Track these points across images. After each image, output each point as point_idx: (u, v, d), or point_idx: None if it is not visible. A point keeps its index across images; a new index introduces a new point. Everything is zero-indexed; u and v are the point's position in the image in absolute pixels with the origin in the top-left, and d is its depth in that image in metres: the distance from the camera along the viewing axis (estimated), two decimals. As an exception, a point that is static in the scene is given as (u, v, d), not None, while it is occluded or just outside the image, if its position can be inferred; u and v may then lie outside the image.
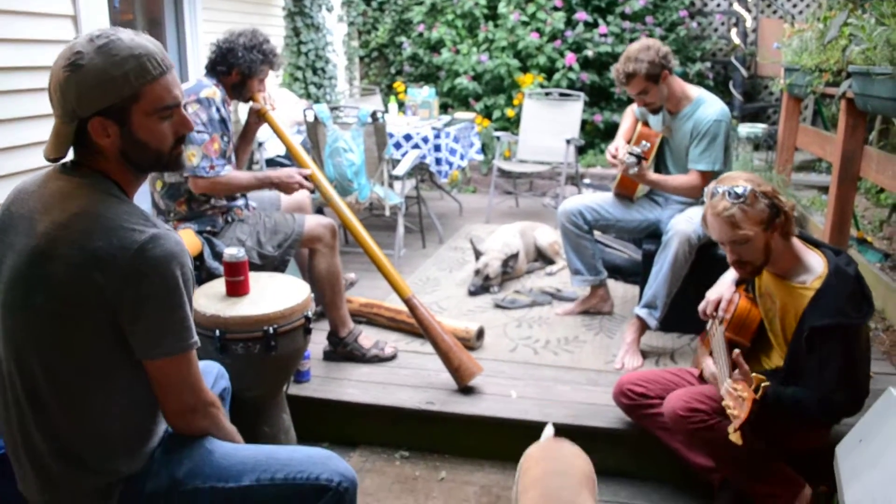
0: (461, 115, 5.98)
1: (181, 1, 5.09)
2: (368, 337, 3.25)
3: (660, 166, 3.54)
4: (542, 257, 4.61)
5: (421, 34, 7.96)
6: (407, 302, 3.01)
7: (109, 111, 1.43)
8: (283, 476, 1.61)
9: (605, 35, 7.39)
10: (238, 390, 2.19)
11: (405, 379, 3.05)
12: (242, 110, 3.28)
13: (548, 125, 6.04)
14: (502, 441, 2.78)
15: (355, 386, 2.99)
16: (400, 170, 4.52)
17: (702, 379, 2.44)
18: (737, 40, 7.64)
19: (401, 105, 6.48)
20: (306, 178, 3.10)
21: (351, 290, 3.83)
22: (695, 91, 3.36)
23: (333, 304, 3.12)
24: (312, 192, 3.30)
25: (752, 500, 2.29)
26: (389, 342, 3.31)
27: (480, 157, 6.02)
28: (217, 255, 2.91)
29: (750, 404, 1.90)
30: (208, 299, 2.45)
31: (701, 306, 2.50)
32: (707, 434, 2.20)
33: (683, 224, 3.19)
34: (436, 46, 7.96)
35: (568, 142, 5.68)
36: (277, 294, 2.50)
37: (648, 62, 3.16)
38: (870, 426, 1.91)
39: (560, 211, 3.57)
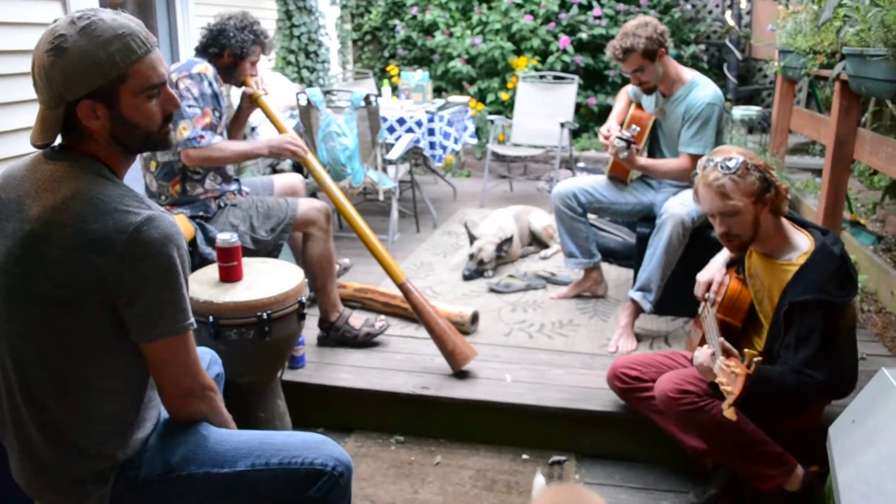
0: (455, 98, 5.96)
1: (171, -17, 5.05)
2: (358, 317, 3.24)
3: (653, 149, 3.54)
4: (537, 241, 4.61)
5: (414, 17, 7.92)
6: (401, 287, 3.01)
7: (97, 93, 1.42)
8: (278, 461, 1.61)
9: (599, 17, 7.36)
10: (232, 376, 2.19)
11: (400, 364, 3.05)
12: (235, 95, 3.26)
13: (542, 108, 6.02)
14: (497, 425, 2.79)
15: (350, 371, 2.99)
16: (394, 154, 4.50)
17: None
18: (731, 22, 7.61)
19: (394, 89, 6.45)
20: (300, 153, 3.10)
21: (345, 276, 3.83)
22: (689, 74, 3.34)
23: (325, 289, 3.11)
24: (306, 176, 3.29)
25: (745, 481, 2.31)
26: (379, 318, 3.30)
27: (474, 141, 6.01)
28: (210, 241, 2.90)
29: (744, 380, 1.90)
30: (201, 285, 2.44)
31: (696, 288, 2.52)
32: (698, 416, 2.21)
33: (677, 207, 3.19)
34: (429, 29, 7.92)
35: (562, 125, 5.67)
36: (271, 279, 2.49)
37: (646, 38, 3.14)
38: (862, 407, 1.92)
39: (554, 193, 3.57)
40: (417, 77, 5.68)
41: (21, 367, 1.47)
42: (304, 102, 4.28)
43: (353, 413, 2.93)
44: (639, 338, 3.26)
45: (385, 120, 4.88)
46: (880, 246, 4.26)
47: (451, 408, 2.82)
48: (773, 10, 6.20)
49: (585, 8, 7.45)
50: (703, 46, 7.69)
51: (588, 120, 7.65)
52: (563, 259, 3.73)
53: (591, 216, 3.67)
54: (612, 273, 4.09)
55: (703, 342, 2.36)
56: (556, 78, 6.24)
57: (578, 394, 2.79)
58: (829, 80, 3.64)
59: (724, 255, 2.54)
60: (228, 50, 3.06)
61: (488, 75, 7.64)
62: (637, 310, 3.27)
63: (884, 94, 3.07)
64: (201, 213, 3.00)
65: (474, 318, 3.38)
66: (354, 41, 8.38)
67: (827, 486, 2.18)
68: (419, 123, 4.96)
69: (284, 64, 6.49)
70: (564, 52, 7.32)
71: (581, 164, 6.78)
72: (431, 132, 5.00)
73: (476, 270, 4.08)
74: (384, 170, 4.57)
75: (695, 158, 3.18)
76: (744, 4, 7.66)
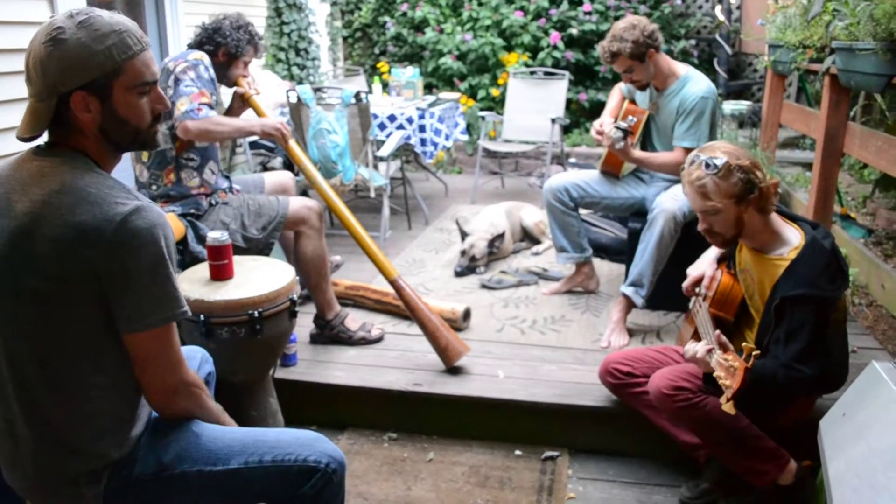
0: (446, 95, 5.95)
1: (160, -18, 5.02)
2: (355, 319, 3.24)
3: (646, 144, 3.54)
4: (528, 237, 4.61)
5: (405, 13, 7.90)
6: (393, 284, 3.01)
7: (92, 86, 1.44)
8: (271, 458, 1.60)
9: (589, 13, 7.37)
10: (224, 375, 2.19)
11: (392, 361, 3.05)
12: (226, 95, 3.26)
13: (533, 104, 6.02)
14: (490, 421, 2.80)
15: (342, 369, 2.99)
16: (385, 151, 4.49)
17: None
18: (721, 17, 7.62)
19: (385, 85, 6.44)
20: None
21: (336, 273, 3.82)
22: (682, 68, 3.35)
23: (319, 287, 3.11)
24: (297, 174, 3.29)
25: (738, 475, 2.32)
26: (376, 324, 3.30)
27: (465, 138, 6.00)
28: (201, 239, 2.89)
29: (742, 373, 1.90)
30: (192, 284, 2.43)
31: (684, 284, 2.52)
32: (692, 412, 2.21)
33: (669, 202, 3.20)
34: (420, 26, 7.91)
35: (553, 121, 5.67)
36: (262, 277, 2.48)
37: (633, 42, 3.14)
38: (853, 400, 1.93)
39: (546, 188, 3.57)
40: (408, 74, 5.67)
41: (13, 364, 1.46)
42: (294, 100, 4.27)
43: (345, 410, 2.92)
44: (631, 333, 3.26)
45: (376, 117, 4.87)
46: (871, 239, 4.27)
47: (443, 404, 2.82)
48: (762, 4, 6.21)
49: (575, 4, 7.47)
50: (693, 41, 7.71)
51: (579, 115, 7.66)
52: (554, 254, 3.73)
53: (582, 211, 3.68)
54: (604, 268, 4.10)
55: (695, 337, 2.36)
56: (546, 74, 6.24)
57: (571, 389, 2.80)
58: (819, 74, 3.65)
59: (715, 249, 2.54)
60: (223, 48, 3.10)
61: (479, 71, 7.64)
62: (629, 305, 3.27)
63: (873, 87, 3.08)
64: (192, 211, 2.99)
65: (466, 315, 3.38)
66: (345, 38, 8.37)
67: (819, 480, 2.19)
68: (410, 120, 4.96)
69: (274, 61, 6.47)
70: (555, 47, 7.33)
71: (572, 160, 6.79)
72: (422, 129, 4.99)
73: (468, 267, 4.08)
74: (375, 167, 4.56)
75: (689, 152, 3.17)
76: (733, -1, 7.68)
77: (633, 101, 3.55)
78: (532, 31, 7.37)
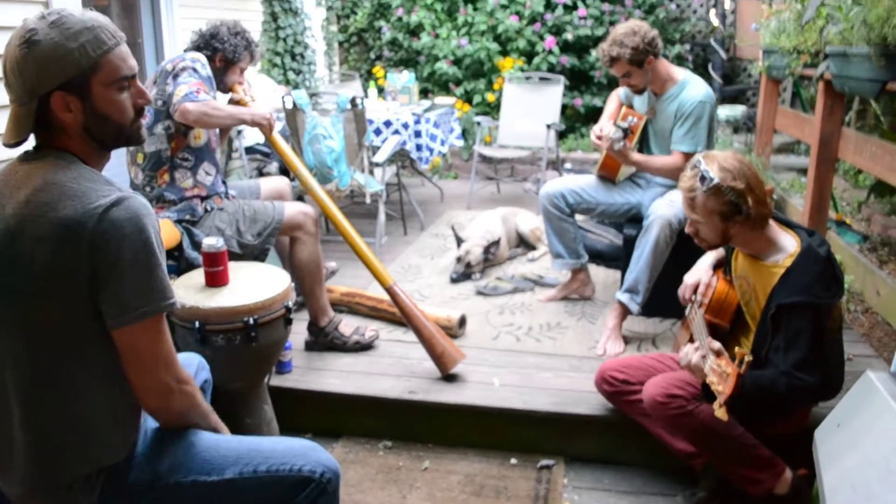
0: (441, 100, 5.95)
1: (156, -14, 5.02)
2: (349, 324, 3.23)
3: (643, 148, 3.54)
4: (524, 243, 4.61)
5: (400, 18, 7.90)
6: (388, 290, 3.00)
7: (70, 85, 1.44)
8: (265, 468, 1.60)
9: (584, 18, 7.37)
10: (219, 382, 2.17)
11: (387, 368, 3.04)
12: (222, 101, 3.26)
13: (528, 109, 6.02)
14: (485, 429, 2.79)
15: (337, 376, 2.98)
16: (380, 156, 4.49)
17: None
18: (716, 22, 7.64)
19: (380, 91, 6.43)
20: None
21: (332, 280, 3.81)
22: (680, 73, 3.35)
23: (313, 294, 3.10)
24: (292, 180, 3.28)
25: (733, 484, 2.31)
26: (370, 328, 3.29)
27: (461, 143, 6.00)
28: (196, 245, 2.88)
29: (734, 379, 1.90)
30: (187, 290, 2.42)
31: (680, 290, 2.52)
32: (686, 420, 2.21)
33: (664, 208, 3.20)
34: (415, 31, 7.91)
35: (548, 126, 5.67)
36: (257, 284, 2.47)
37: (632, 48, 3.15)
38: (847, 410, 1.92)
39: (542, 193, 3.57)
40: (404, 79, 5.67)
41: (6, 366, 1.46)
42: (289, 105, 4.26)
43: (340, 418, 2.91)
44: (626, 340, 3.26)
45: (371, 122, 4.86)
46: (866, 245, 4.27)
47: (439, 412, 2.81)
48: (756, 9, 6.23)
49: (570, 8, 7.46)
50: (687, 46, 7.72)
51: (574, 121, 7.66)
52: (550, 261, 3.73)
53: (578, 217, 3.68)
54: (600, 275, 4.10)
55: (691, 343, 2.37)
56: (542, 79, 6.25)
57: (567, 397, 2.79)
58: (813, 79, 3.66)
59: (711, 256, 2.54)
60: (221, 54, 3.12)
61: (474, 76, 7.64)
62: (625, 312, 3.27)
63: (867, 92, 3.09)
64: (187, 217, 2.97)
65: (462, 322, 3.37)
66: (340, 43, 8.36)
67: (814, 490, 2.19)
68: (406, 125, 4.95)
69: (270, 66, 6.45)
70: (550, 52, 7.33)
71: (568, 166, 6.79)
72: (418, 134, 4.99)
73: (464, 273, 4.07)
74: (371, 172, 4.56)
75: (687, 156, 3.18)
76: (728, 4, 7.69)
77: (630, 107, 3.55)
78: (527, 36, 7.38)
